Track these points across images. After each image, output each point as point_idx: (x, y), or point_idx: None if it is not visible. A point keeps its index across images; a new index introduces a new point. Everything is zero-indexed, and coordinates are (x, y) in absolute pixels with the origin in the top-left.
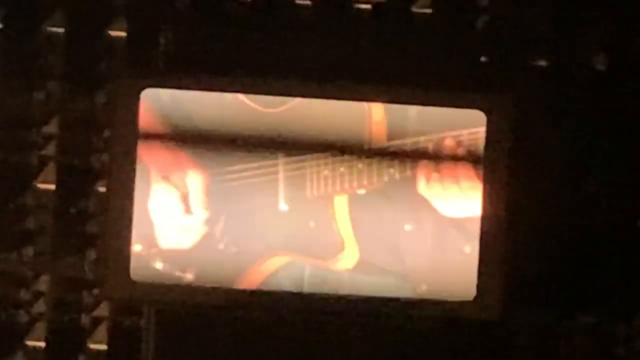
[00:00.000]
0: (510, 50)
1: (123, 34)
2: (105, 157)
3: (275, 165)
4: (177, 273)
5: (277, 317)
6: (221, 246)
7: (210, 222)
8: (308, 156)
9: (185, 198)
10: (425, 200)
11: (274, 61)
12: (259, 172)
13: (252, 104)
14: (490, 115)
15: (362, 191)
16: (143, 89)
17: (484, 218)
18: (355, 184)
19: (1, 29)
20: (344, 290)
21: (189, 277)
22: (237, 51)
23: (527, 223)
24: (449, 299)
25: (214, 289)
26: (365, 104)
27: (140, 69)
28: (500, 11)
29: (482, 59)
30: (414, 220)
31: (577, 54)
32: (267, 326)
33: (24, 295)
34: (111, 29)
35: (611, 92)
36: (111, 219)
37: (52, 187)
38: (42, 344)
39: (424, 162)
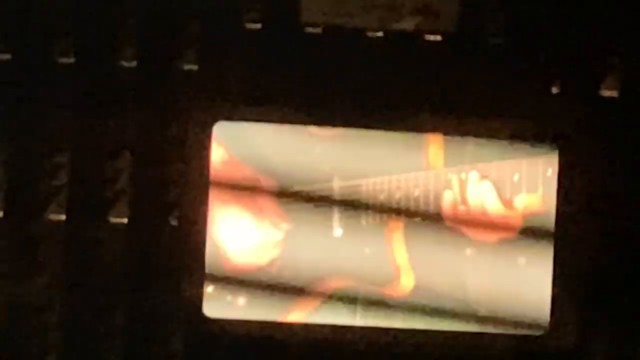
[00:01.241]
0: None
1: (195, 66)
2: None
3: (330, 189)
4: (229, 297)
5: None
6: (274, 271)
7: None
8: (364, 180)
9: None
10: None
11: (344, 92)
12: (314, 196)
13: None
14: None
15: (418, 219)
16: (216, 121)
17: (557, 248)
18: (412, 211)
19: (75, 63)
20: (399, 317)
21: (240, 302)
22: (308, 83)
23: (602, 253)
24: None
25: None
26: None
27: (212, 101)
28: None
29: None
30: (471, 243)
31: None
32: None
33: (98, 327)
34: (183, 62)
35: None
36: (185, 253)
37: (125, 220)
38: None
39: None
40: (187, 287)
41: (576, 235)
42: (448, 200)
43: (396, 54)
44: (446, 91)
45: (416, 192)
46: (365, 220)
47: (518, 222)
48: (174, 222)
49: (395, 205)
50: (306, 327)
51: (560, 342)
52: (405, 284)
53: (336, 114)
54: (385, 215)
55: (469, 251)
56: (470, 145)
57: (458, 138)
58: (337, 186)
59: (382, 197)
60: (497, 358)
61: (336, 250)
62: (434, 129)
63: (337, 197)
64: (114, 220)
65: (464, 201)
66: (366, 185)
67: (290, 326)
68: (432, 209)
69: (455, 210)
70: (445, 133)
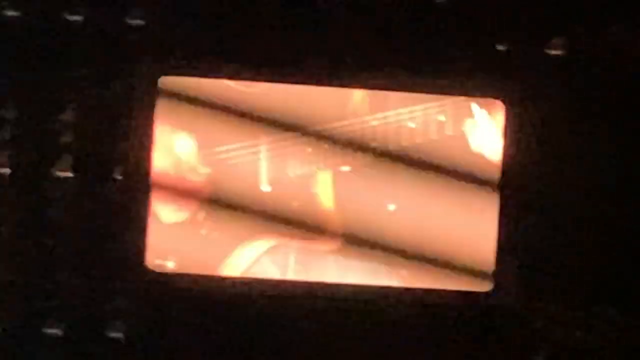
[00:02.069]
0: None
1: (141, 21)
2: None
3: (257, 145)
4: (158, 261)
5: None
6: (203, 231)
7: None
8: (290, 134)
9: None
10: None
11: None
12: (242, 152)
13: (233, 84)
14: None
15: (346, 168)
16: (161, 76)
17: (501, 208)
18: (339, 160)
19: (20, 17)
20: (329, 274)
21: (169, 265)
22: (258, 37)
23: (545, 215)
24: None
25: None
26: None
27: (158, 56)
28: None
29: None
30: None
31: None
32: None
33: (42, 284)
34: (129, 17)
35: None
36: (127, 207)
37: (70, 174)
38: (60, 332)
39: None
40: (131, 241)
41: (521, 191)
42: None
43: (346, 8)
44: (392, 48)
45: (343, 141)
46: (293, 173)
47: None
48: (118, 176)
49: (322, 156)
50: (244, 280)
51: (504, 300)
52: (335, 237)
53: (280, 70)
54: (313, 167)
55: (393, 206)
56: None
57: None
58: (264, 141)
59: (309, 149)
60: (439, 314)
61: (264, 206)
62: (378, 86)
63: (263, 152)
64: (58, 173)
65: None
66: (292, 138)
67: (228, 280)
68: (359, 156)
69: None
70: (391, 89)
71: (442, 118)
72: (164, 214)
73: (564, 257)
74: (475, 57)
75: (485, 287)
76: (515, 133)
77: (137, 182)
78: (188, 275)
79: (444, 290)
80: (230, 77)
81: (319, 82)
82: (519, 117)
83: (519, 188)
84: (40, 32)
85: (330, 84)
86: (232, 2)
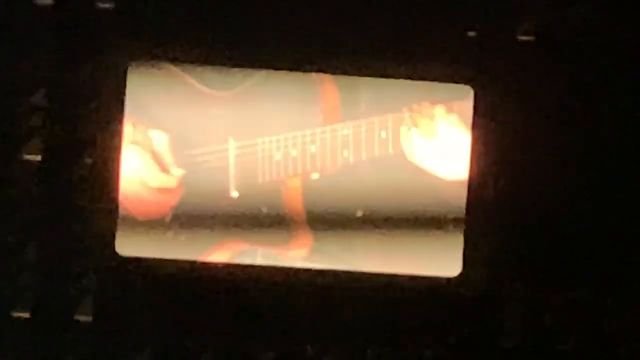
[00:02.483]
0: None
1: (111, 5)
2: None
3: (225, 150)
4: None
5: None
6: (170, 234)
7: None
8: (259, 140)
9: (156, 156)
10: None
11: (267, 31)
12: (210, 157)
13: (202, 87)
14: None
15: (316, 175)
16: (132, 61)
17: (470, 194)
18: (308, 168)
19: None
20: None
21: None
22: (227, 23)
23: (514, 199)
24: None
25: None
26: (318, 86)
27: (128, 40)
28: None
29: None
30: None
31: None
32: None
33: (10, 266)
34: (99, 0)
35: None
36: (97, 190)
37: (38, 158)
38: (27, 315)
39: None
40: (100, 225)
41: (489, 179)
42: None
43: None
44: (364, 34)
45: (313, 149)
46: (262, 179)
47: None
48: (88, 160)
49: (291, 163)
50: (216, 268)
51: (472, 285)
52: (303, 244)
53: (249, 55)
54: (282, 174)
55: (360, 212)
56: (365, 100)
57: (352, 93)
58: (233, 147)
59: (278, 156)
60: (408, 300)
61: (233, 211)
62: (352, 72)
63: (232, 157)
64: (27, 157)
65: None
66: (262, 144)
67: (197, 263)
68: (330, 164)
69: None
70: (364, 75)
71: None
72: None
73: (533, 239)
74: (445, 43)
75: (453, 271)
76: (484, 121)
77: (108, 165)
78: (157, 259)
79: (412, 276)
80: (201, 63)
81: (288, 66)
82: (489, 103)
83: (487, 175)
84: (10, 16)
85: (299, 69)
86: None
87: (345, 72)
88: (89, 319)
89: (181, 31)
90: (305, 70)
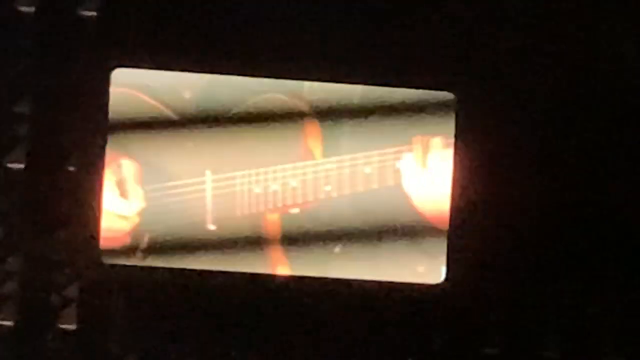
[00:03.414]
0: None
1: (94, 13)
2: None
3: (203, 183)
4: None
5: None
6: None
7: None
8: (238, 173)
9: (121, 183)
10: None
11: (253, 38)
12: (186, 189)
13: (179, 118)
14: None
15: (295, 210)
16: (114, 68)
17: (453, 202)
18: (288, 202)
19: None
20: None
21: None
22: (209, 30)
23: (499, 203)
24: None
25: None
26: (299, 119)
27: (110, 48)
28: None
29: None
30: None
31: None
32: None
33: None
34: (82, 8)
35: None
36: (81, 199)
37: (22, 166)
38: (11, 323)
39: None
40: (84, 233)
41: (472, 184)
42: (407, 164)
43: (297, 4)
44: (351, 41)
45: (294, 183)
46: (241, 212)
47: None
48: (71, 168)
49: (271, 197)
50: (201, 275)
51: (456, 292)
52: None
53: (232, 62)
54: (262, 207)
55: (339, 248)
56: (347, 135)
57: (336, 128)
58: (210, 179)
59: (258, 190)
60: (391, 307)
61: (209, 244)
62: (333, 79)
63: (209, 190)
64: (10, 165)
65: (424, 165)
66: (241, 177)
67: (183, 271)
68: (311, 199)
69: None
70: (352, 83)
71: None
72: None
73: (515, 244)
74: (429, 50)
75: (436, 278)
76: (467, 127)
77: (91, 173)
78: (142, 267)
79: (396, 282)
80: (184, 70)
81: (275, 74)
82: (471, 112)
83: (470, 181)
84: None
85: (286, 77)
86: None
87: (328, 80)
88: (73, 327)
89: (165, 38)
90: (291, 78)
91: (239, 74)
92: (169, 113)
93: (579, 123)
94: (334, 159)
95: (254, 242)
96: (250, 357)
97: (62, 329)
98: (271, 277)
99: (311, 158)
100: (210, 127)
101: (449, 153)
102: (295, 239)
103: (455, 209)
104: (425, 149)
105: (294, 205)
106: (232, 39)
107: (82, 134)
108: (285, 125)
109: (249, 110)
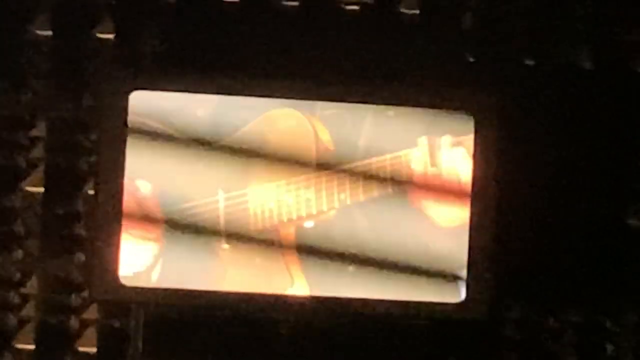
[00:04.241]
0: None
1: (110, 35)
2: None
3: (215, 202)
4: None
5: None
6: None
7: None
8: (250, 188)
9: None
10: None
11: (267, 62)
12: (200, 209)
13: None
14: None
15: (310, 223)
16: (131, 90)
17: (473, 218)
18: (303, 214)
19: None
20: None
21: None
22: (225, 51)
23: (516, 222)
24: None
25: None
26: (311, 129)
27: (128, 70)
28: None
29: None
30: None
31: (563, 53)
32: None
33: (12, 298)
34: (98, 31)
35: (598, 90)
36: (99, 221)
37: (41, 189)
38: (31, 347)
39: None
40: (103, 257)
41: (492, 201)
42: (417, 162)
43: (312, 22)
44: (367, 60)
45: (308, 194)
46: (255, 229)
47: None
48: (90, 191)
49: (284, 211)
50: (221, 296)
51: (475, 311)
52: (299, 294)
53: (250, 84)
54: (275, 223)
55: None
56: (359, 143)
57: (346, 137)
58: (222, 198)
59: (270, 205)
60: (410, 325)
61: (224, 264)
62: (352, 99)
63: (222, 209)
64: (29, 189)
65: (434, 164)
66: (252, 194)
67: (204, 293)
68: (325, 208)
69: (425, 173)
70: (367, 102)
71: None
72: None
73: (533, 265)
74: (446, 70)
75: (456, 297)
76: (485, 144)
77: (109, 196)
78: (160, 289)
79: (415, 302)
80: (201, 92)
81: (293, 95)
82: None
83: (490, 198)
84: (9, 46)
85: (303, 97)
86: (204, 16)
87: (349, 100)
88: (93, 350)
89: (181, 60)
90: (308, 99)
91: (255, 96)
92: (179, 134)
93: (602, 139)
94: (347, 166)
95: (271, 259)
96: None
97: (82, 351)
98: (292, 299)
99: (323, 168)
100: (220, 146)
101: (459, 151)
102: (312, 251)
103: (474, 228)
104: (433, 148)
105: (309, 217)
106: (250, 59)
107: (100, 157)
108: (296, 136)
109: (258, 127)
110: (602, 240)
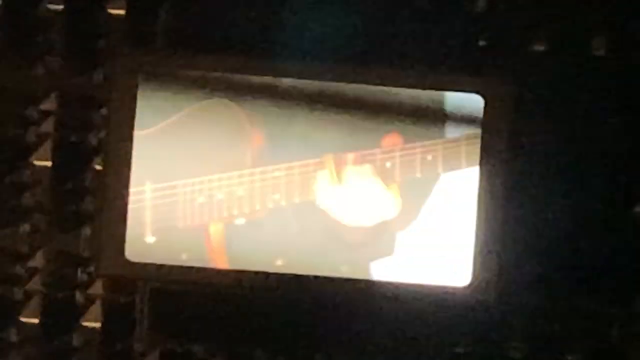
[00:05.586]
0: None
1: (122, 11)
2: (102, 134)
3: (142, 193)
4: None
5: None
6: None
7: None
8: (180, 182)
9: None
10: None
11: (275, 40)
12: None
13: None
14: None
15: (241, 220)
16: (142, 67)
17: (480, 202)
18: (234, 212)
19: (1, 6)
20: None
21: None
22: (236, 30)
23: (523, 209)
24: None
25: (205, 268)
26: (246, 125)
27: (139, 46)
28: None
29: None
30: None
31: (576, 38)
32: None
33: (18, 271)
34: (110, 6)
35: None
36: (107, 197)
37: (49, 164)
38: (36, 320)
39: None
40: (109, 231)
41: (499, 190)
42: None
43: (323, 3)
44: (377, 43)
45: (240, 192)
46: (183, 223)
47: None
48: (97, 166)
49: (216, 207)
50: (226, 274)
51: (482, 295)
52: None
53: (257, 63)
54: (205, 218)
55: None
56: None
57: (280, 135)
58: (149, 189)
59: (200, 199)
60: (419, 309)
61: (149, 258)
62: (363, 81)
63: (149, 201)
64: (37, 162)
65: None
66: (183, 187)
67: (209, 270)
68: (258, 208)
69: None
70: (377, 84)
71: None
72: None
73: (541, 249)
74: (456, 52)
75: (463, 281)
76: (495, 126)
77: (117, 171)
78: (166, 265)
79: (421, 285)
80: (211, 70)
81: (299, 75)
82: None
83: (497, 180)
84: (21, 21)
85: (308, 77)
86: None
87: (354, 81)
88: (97, 325)
89: (193, 38)
90: (312, 79)
91: (262, 75)
92: None
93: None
94: (283, 165)
95: (198, 255)
96: (276, 355)
97: (86, 326)
98: (295, 276)
99: (258, 165)
100: (149, 132)
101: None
102: (240, 251)
103: (480, 216)
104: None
105: (240, 215)
106: (262, 39)
107: (109, 132)
108: (230, 131)
109: (190, 116)
110: (611, 226)
